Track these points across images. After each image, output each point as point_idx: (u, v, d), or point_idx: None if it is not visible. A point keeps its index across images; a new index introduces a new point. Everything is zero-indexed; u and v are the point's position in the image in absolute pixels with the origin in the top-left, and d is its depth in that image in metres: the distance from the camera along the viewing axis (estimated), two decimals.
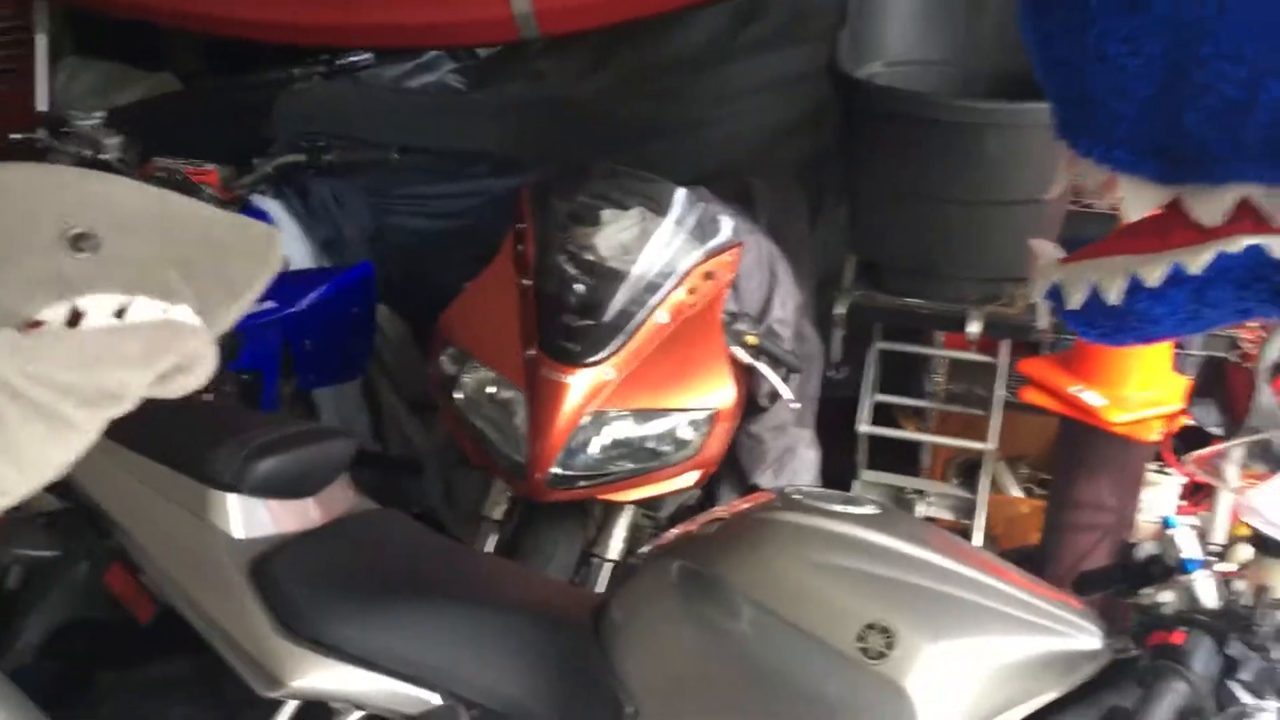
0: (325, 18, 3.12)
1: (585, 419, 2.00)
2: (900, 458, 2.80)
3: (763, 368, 2.21)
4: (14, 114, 3.67)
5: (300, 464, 1.62)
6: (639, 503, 2.18)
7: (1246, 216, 0.64)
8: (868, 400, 2.64)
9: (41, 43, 3.67)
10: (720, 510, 1.51)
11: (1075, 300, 0.67)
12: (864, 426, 2.62)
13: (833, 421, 2.67)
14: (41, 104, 3.62)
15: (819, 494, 1.43)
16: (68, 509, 1.67)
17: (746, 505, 1.48)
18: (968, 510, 2.59)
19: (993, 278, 2.45)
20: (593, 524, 2.23)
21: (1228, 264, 0.65)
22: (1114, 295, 0.65)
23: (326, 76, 3.62)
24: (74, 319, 0.58)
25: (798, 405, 2.32)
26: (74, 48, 4.01)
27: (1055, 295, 0.68)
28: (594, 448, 2.03)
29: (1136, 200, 0.64)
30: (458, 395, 2.15)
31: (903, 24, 2.74)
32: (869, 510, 1.39)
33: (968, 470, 2.88)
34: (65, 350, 0.56)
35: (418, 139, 3.19)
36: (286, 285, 2.48)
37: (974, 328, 2.42)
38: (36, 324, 0.57)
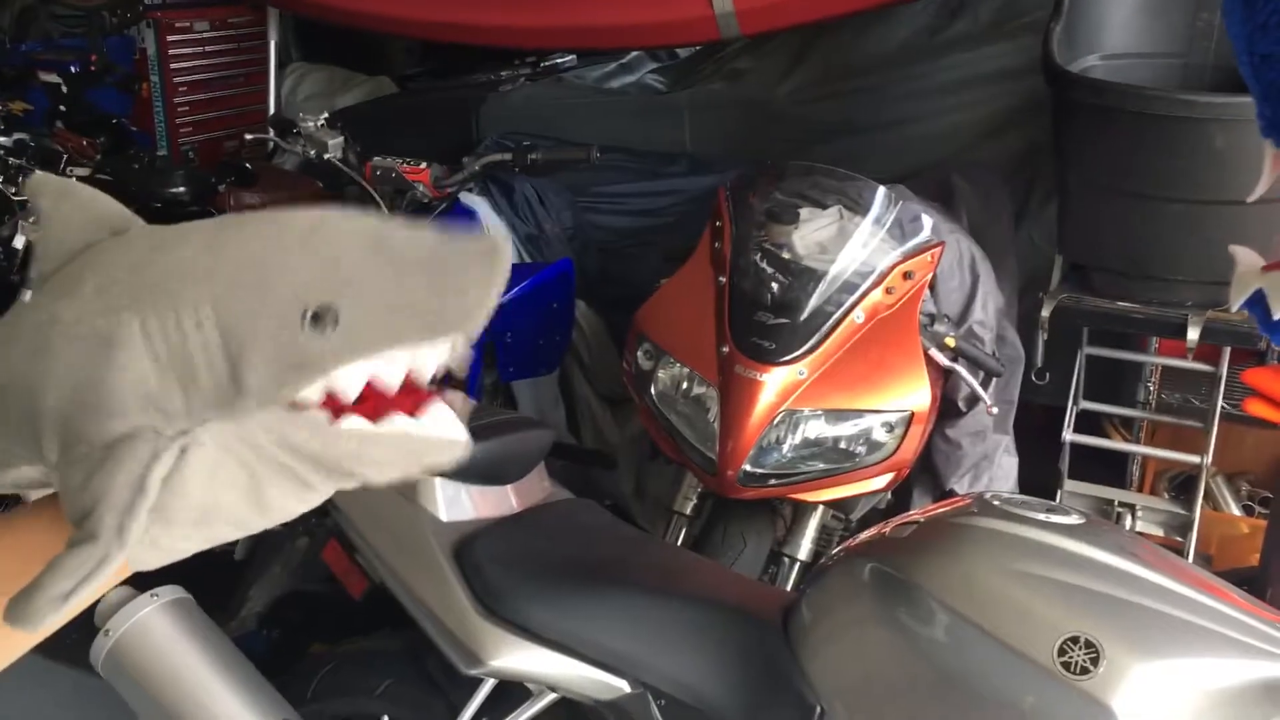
0: (531, 21, 3.21)
1: (778, 417, 2.00)
2: (1106, 469, 2.69)
3: (961, 371, 2.16)
4: (250, 114, 3.94)
5: (501, 452, 1.68)
6: (829, 504, 2.16)
7: None
8: (1073, 408, 2.54)
9: (270, 50, 3.91)
10: (915, 513, 1.47)
11: (1279, 310, 0.62)
12: (1069, 435, 2.53)
13: (1034, 429, 2.58)
14: (271, 106, 3.86)
15: (1020, 501, 1.38)
16: None
17: (943, 509, 1.45)
18: (1180, 527, 2.46)
19: (1215, 281, 2.31)
20: (782, 523, 2.23)
21: None
22: None
23: (531, 78, 3.74)
24: (330, 400, 0.59)
25: (996, 411, 2.25)
26: (300, 54, 4.26)
27: (1257, 305, 0.64)
28: (786, 446, 2.02)
29: None
30: (652, 390, 2.17)
31: (1120, 16, 2.62)
32: (1073, 520, 1.33)
33: (1181, 485, 2.74)
34: (321, 439, 0.58)
35: (618, 139, 3.25)
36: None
37: (1193, 334, 2.29)
38: (295, 404, 0.58)
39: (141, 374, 0.57)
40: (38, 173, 0.63)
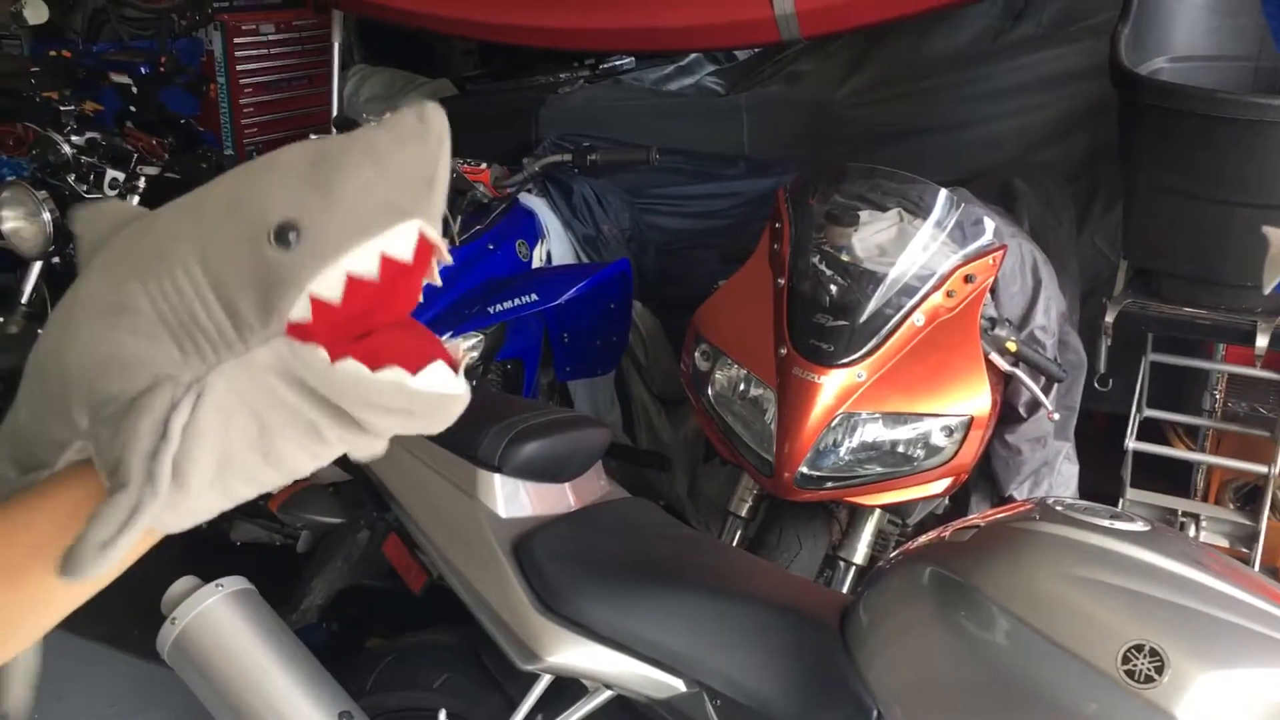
0: (590, 23, 3.22)
1: (836, 420, 1.99)
2: (1169, 478, 2.64)
3: (1022, 376, 2.13)
4: (313, 115, 4.00)
5: (559, 449, 1.69)
6: (886, 508, 2.15)
7: None
8: (1137, 415, 2.50)
9: (334, 52, 3.97)
10: (974, 517, 1.46)
11: None
12: (1132, 442, 2.49)
13: (1097, 436, 2.54)
14: (334, 106, 3.91)
15: (1082, 506, 1.37)
16: (352, 481, 1.81)
17: (1003, 514, 1.43)
18: (1245, 538, 2.41)
19: None
20: (838, 527, 2.22)
21: None
22: None
23: (591, 80, 3.76)
24: (319, 311, 0.62)
25: (1057, 416, 2.22)
26: (363, 56, 4.32)
27: None
28: (843, 449, 2.01)
29: None
30: (709, 391, 2.17)
31: (1189, 19, 2.58)
32: (1137, 526, 1.31)
33: (1247, 495, 2.68)
34: (324, 377, 0.61)
35: (676, 141, 3.25)
36: (548, 280, 2.58)
37: (1261, 341, 2.25)
38: (293, 327, 0.61)
39: (152, 332, 0.62)
40: (76, 209, 0.69)
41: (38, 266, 2.94)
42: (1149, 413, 2.53)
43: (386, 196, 0.62)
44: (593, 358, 2.71)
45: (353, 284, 0.62)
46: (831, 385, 1.98)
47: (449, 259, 0.66)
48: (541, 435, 1.67)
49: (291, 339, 0.61)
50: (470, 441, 1.63)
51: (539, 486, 1.69)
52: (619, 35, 3.30)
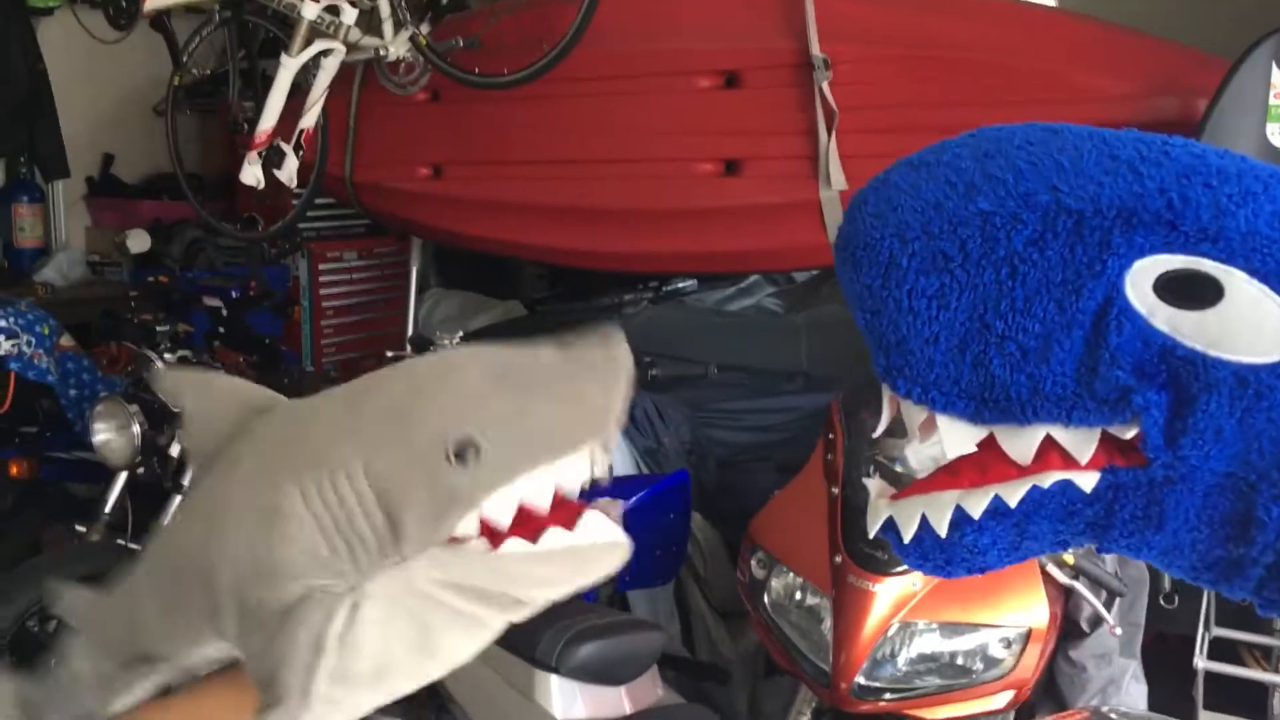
0: (653, 246, 3.39)
1: (892, 629, 1.99)
2: (1247, 702, 2.55)
3: (1081, 589, 2.12)
4: (390, 336, 4.19)
5: (616, 651, 1.71)
6: None
7: (1054, 453, 0.66)
8: (1205, 633, 2.45)
9: (412, 276, 4.20)
10: None
11: (908, 534, 0.69)
12: (1201, 661, 2.43)
13: (1167, 656, 2.48)
14: (410, 326, 4.11)
15: (1138, 716, 1.36)
16: None
17: None
18: None
19: None
20: None
21: (1042, 498, 0.66)
22: (942, 528, 0.67)
23: (654, 301, 3.92)
24: (485, 528, 0.63)
25: (1120, 632, 2.19)
26: (439, 281, 4.56)
27: (889, 531, 0.70)
28: (901, 659, 2.00)
29: (953, 438, 0.67)
30: (766, 599, 2.19)
31: None
32: None
33: None
34: (486, 569, 0.61)
35: (735, 357, 3.35)
36: (609, 490, 2.64)
37: None
38: (454, 539, 0.62)
39: (308, 538, 0.62)
40: (166, 370, 0.69)
41: (123, 478, 3.07)
42: (1218, 631, 2.48)
43: (567, 425, 0.63)
44: (652, 568, 2.73)
45: (523, 512, 0.63)
46: (887, 593, 1.99)
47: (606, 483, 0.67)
48: (599, 637, 1.69)
49: (451, 545, 0.61)
50: (528, 641, 1.66)
51: (595, 690, 1.71)
52: (681, 258, 3.46)
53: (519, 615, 0.64)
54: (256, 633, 0.60)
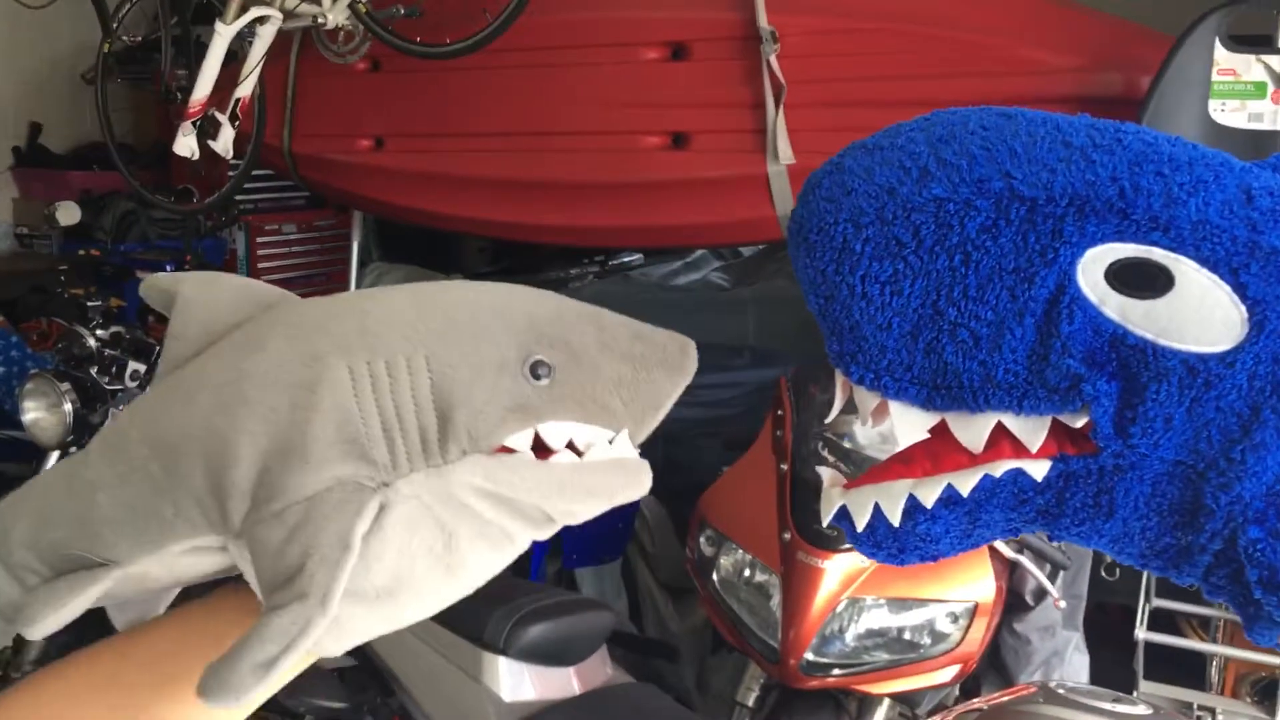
0: (598, 221, 3.36)
1: (841, 605, 1.99)
2: (1186, 670, 2.60)
3: (1026, 563, 2.14)
4: None
5: (564, 632, 1.69)
6: (895, 696, 2.12)
7: (1005, 441, 0.66)
8: (1146, 604, 2.48)
9: (353, 249, 4.13)
10: (978, 701, 1.45)
11: (861, 523, 0.69)
12: (1142, 633, 2.46)
13: (1108, 627, 2.52)
14: None
15: (1084, 690, 1.36)
16: (356, 666, 1.80)
17: (1006, 697, 1.43)
18: None
19: None
20: (847, 717, 2.18)
21: (994, 486, 0.66)
22: (895, 517, 0.67)
23: (600, 276, 3.89)
24: (537, 444, 0.59)
25: (1064, 605, 2.21)
26: (381, 254, 4.49)
27: (843, 520, 0.71)
28: (849, 635, 2.01)
29: (906, 425, 0.66)
30: (714, 577, 2.18)
31: None
32: (1139, 710, 1.31)
33: (1264, 689, 2.63)
34: (532, 477, 0.58)
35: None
36: None
37: None
38: (504, 449, 0.58)
39: (348, 417, 0.55)
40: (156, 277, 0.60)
41: (54, 457, 2.99)
42: (1158, 602, 2.51)
43: (624, 403, 0.62)
44: (599, 545, 2.72)
45: (569, 449, 0.61)
46: (835, 570, 1.99)
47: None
48: (546, 618, 1.67)
49: (498, 453, 0.57)
50: (475, 624, 1.64)
51: (543, 670, 1.69)
52: (627, 232, 3.43)
53: (544, 533, 0.60)
54: (275, 521, 0.54)
